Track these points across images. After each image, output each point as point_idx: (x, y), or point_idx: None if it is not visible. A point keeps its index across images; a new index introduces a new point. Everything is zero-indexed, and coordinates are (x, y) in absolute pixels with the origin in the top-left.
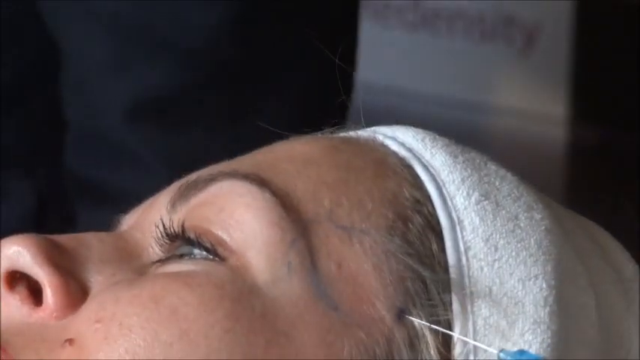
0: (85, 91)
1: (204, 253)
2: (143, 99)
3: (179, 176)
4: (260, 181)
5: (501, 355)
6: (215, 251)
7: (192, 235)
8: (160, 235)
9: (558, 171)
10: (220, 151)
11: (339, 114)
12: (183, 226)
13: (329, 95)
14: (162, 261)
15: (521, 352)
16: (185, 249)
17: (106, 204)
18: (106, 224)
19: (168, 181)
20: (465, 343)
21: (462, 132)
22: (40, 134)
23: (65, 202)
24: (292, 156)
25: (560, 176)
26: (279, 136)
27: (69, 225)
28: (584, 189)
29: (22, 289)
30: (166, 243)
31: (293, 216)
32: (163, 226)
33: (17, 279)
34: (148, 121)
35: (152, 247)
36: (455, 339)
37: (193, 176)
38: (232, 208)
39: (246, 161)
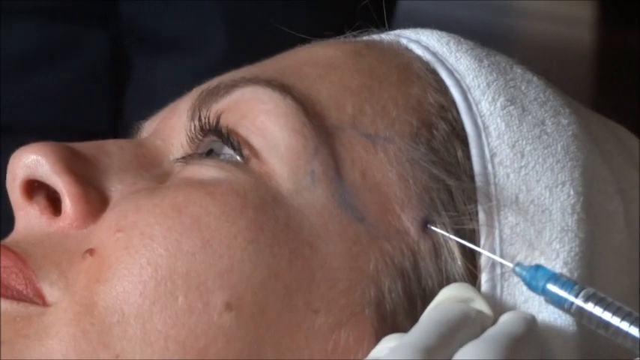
0: None
1: (230, 152)
2: None
3: (237, 31)
4: (282, 87)
5: (517, 269)
6: (241, 151)
7: (224, 129)
8: (194, 128)
9: (585, 75)
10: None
11: (363, 17)
12: (219, 118)
13: None
14: (185, 159)
15: (537, 267)
16: (213, 144)
17: (160, 55)
18: (160, 76)
19: (226, 34)
20: (491, 252)
21: (485, 35)
22: None
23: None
24: (315, 61)
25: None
26: (302, 40)
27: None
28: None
29: (40, 199)
30: (198, 138)
31: (316, 123)
32: (199, 118)
33: (36, 188)
34: None
35: (182, 145)
36: (481, 247)
37: (214, 82)
38: (254, 115)
39: (268, 66)
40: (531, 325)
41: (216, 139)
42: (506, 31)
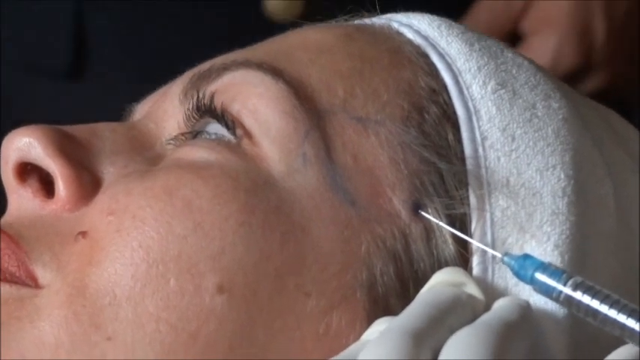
0: None
1: (223, 132)
2: None
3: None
4: (273, 71)
5: (505, 259)
6: (234, 130)
7: (218, 108)
8: (191, 107)
9: None
10: None
11: (353, 1)
12: (212, 97)
13: None
14: (177, 139)
15: (526, 256)
16: (207, 126)
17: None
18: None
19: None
20: (482, 236)
21: None
22: None
23: None
24: (306, 44)
25: None
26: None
27: None
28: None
29: (33, 182)
30: (195, 118)
31: (307, 106)
32: (197, 97)
33: (29, 171)
34: None
35: (174, 128)
36: (472, 232)
37: (206, 65)
38: (246, 98)
39: (259, 50)
40: (526, 311)
41: (211, 119)
42: None
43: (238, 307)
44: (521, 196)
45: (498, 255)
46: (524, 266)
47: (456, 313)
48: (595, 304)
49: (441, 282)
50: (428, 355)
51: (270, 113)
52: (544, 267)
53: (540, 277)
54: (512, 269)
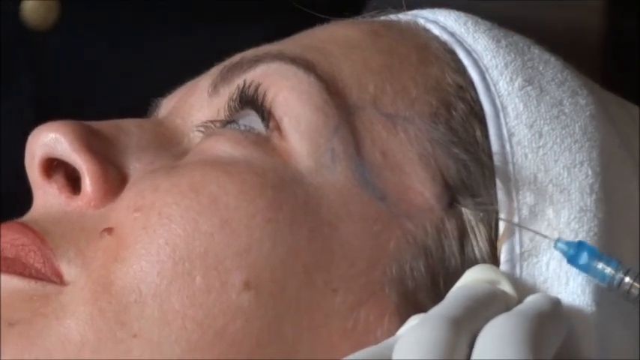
0: None
1: (257, 122)
2: None
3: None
4: (306, 65)
5: (559, 244)
6: (268, 121)
7: (260, 97)
8: (234, 97)
9: (593, 65)
10: None
11: None
12: (258, 87)
13: None
14: (206, 127)
15: (580, 243)
16: (240, 117)
17: None
18: None
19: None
20: (511, 232)
21: (491, 21)
22: None
23: None
24: (336, 39)
25: (594, 71)
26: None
27: None
28: (621, 84)
29: (59, 178)
30: (236, 109)
31: (337, 101)
32: (244, 85)
33: (54, 167)
34: None
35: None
36: (501, 228)
37: (236, 58)
38: (277, 90)
39: (290, 44)
40: (557, 305)
41: (251, 110)
42: (511, 17)
43: (265, 304)
44: (549, 192)
45: (552, 239)
46: (579, 253)
47: (492, 308)
48: None
49: (476, 279)
50: (467, 339)
51: (301, 107)
52: (599, 255)
53: (599, 265)
54: (566, 255)
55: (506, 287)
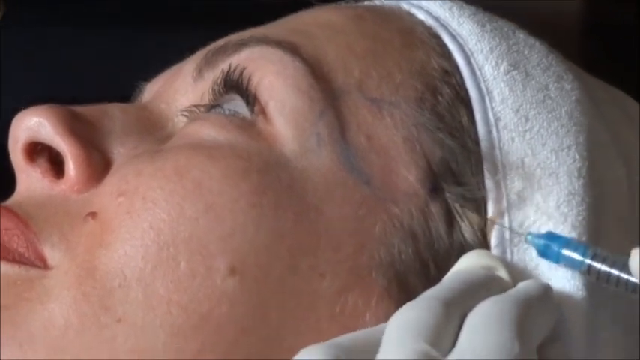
0: None
1: (241, 106)
2: None
3: None
4: (291, 48)
5: (529, 238)
6: (253, 105)
7: (245, 81)
8: (218, 81)
9: (571, 50)
10: None
11: None
12: (242, 71)
13: None
14: (190, 111)
15: (550, 234)
16: (224, 101)
17: None
18: None
19: None
20: (499, 218)
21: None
22: None
23: None
24: (320, 23)
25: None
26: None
27: None
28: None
29: (43, 162)
30: (220, 92)
31: (323, 85)
32: (229, 69)
33: (38, 151)
34: None
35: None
36: (489, 212)
37: (221, 42)
38: (262, 74)
39: (276, 27)
40: (547, 289)
41: (236, 95)
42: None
43: (250, 289)
44: (536, 177)
45: (523, 234)
46: (550, 245)
47: (486, 292)
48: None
49: (472, 264)
50: (456, 319)
51: (286, 91)
52: (568, 242)
53: (567, 252)
54: (537, 248)
55: (502, 273)
